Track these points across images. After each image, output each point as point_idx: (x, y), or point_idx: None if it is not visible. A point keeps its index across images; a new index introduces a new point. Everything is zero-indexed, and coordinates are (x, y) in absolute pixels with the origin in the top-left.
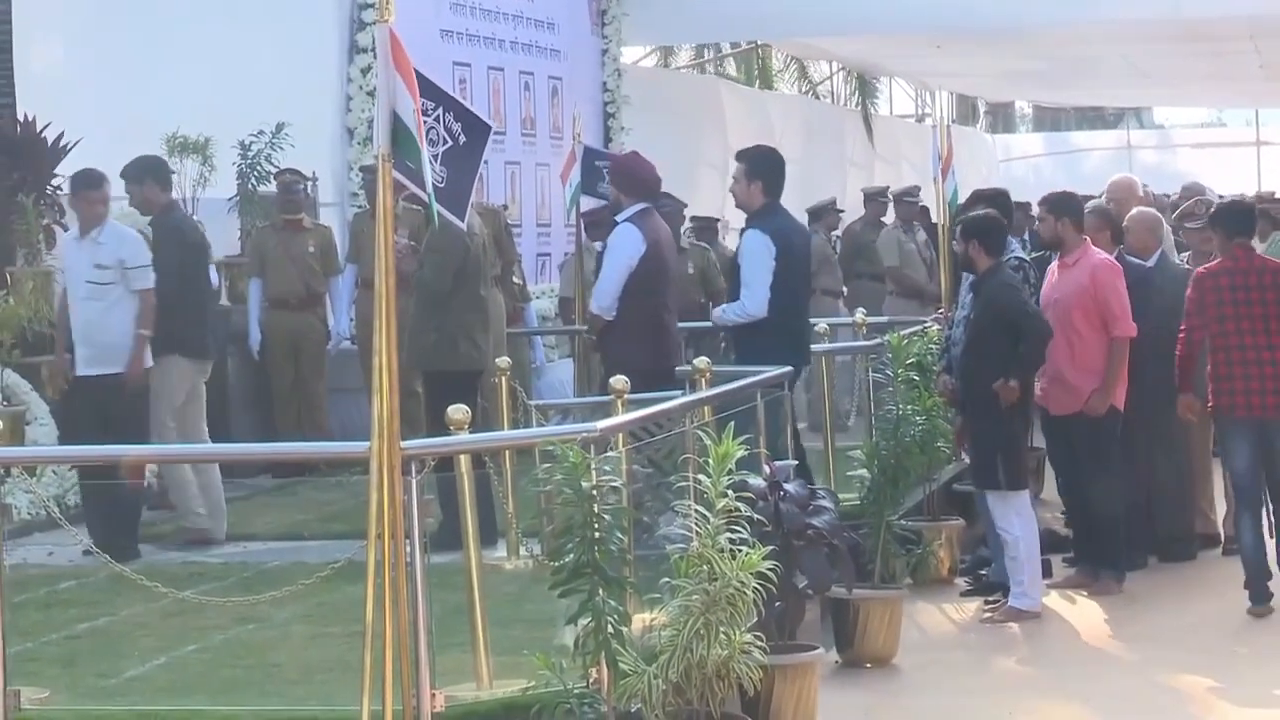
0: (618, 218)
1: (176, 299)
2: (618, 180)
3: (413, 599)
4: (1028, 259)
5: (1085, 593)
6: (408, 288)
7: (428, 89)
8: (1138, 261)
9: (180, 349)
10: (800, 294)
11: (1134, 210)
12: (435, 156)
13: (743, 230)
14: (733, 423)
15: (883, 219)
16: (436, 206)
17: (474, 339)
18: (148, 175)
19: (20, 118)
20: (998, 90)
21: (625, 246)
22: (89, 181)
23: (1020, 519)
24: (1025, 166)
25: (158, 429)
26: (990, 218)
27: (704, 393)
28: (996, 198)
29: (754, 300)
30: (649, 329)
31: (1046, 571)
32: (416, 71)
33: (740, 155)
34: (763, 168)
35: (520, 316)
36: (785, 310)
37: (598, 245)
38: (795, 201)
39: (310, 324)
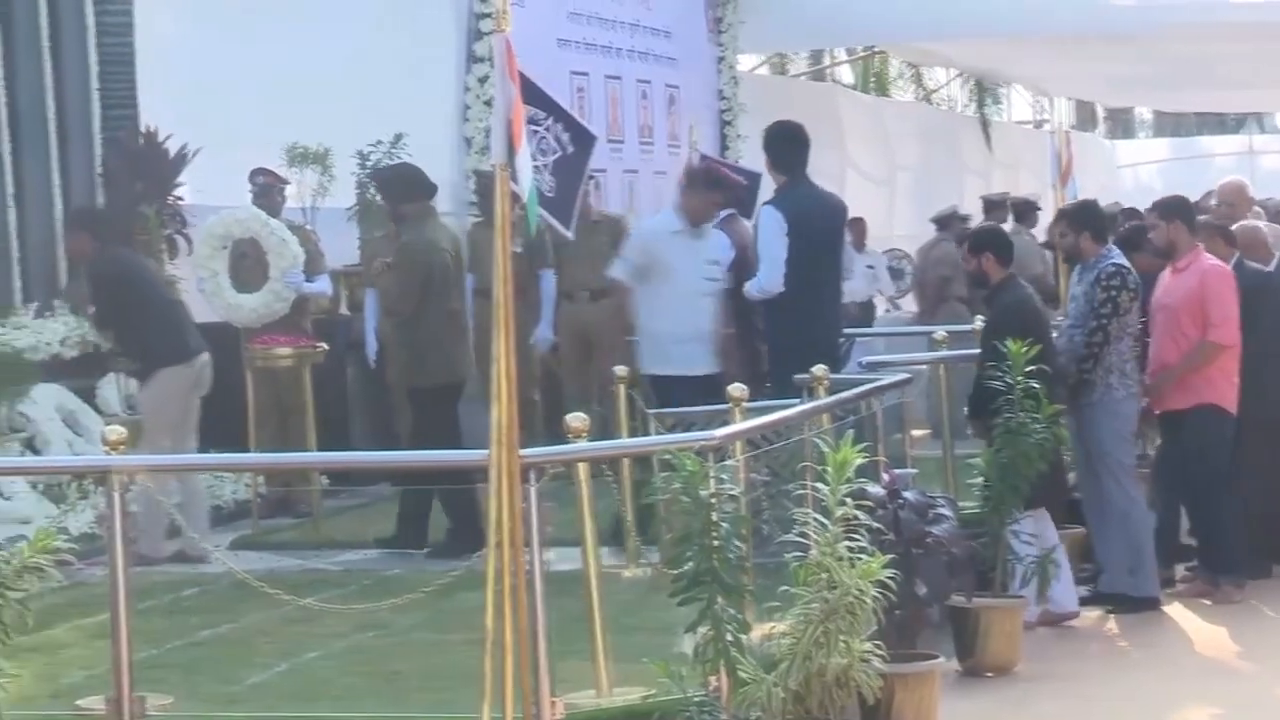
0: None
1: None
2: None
3: (532, 606)
4: (1128, 265)
5: (1207, 601)
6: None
7: (538, 98)
8: (1257, 266)
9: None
10: (822, 271)
11: (1239, 224)
12: (545, 166)
13: (759, 208)
14: (851, 430)
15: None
16: (540, 212)
17: (446, 352)
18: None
19: (142, 129)
20: (1116, 95)
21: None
22: (712, 179)
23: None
24: (1146, 172)
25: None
26: (999, 229)
27: (822, 400)
28: (1086, 208)
29: (768, 276)
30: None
31: (1169, 581)
32: (527, 80)
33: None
34: (770, 143)
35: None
36: (802, 287)
37: None
38: (912, 208)
39: None
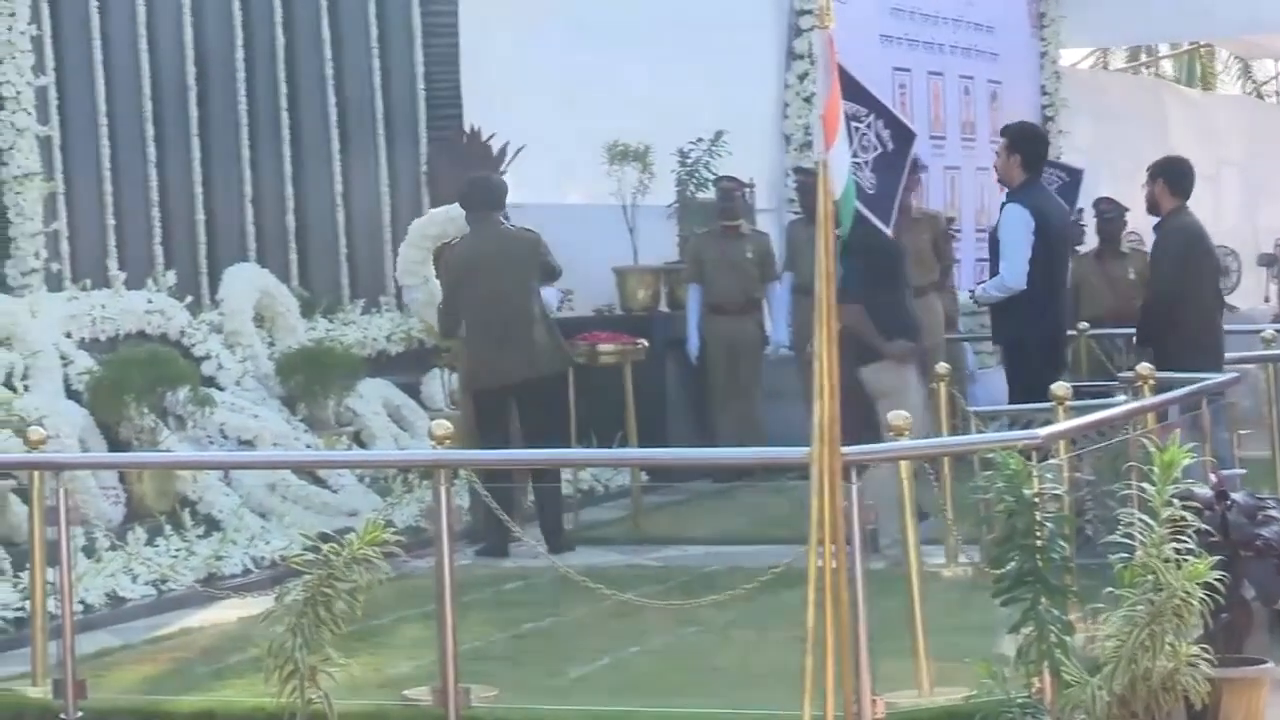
0: None
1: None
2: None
3: (853, 605)
4: None
5: None
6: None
7: (860, 95)
8: None
9: None
10: (1058, 271)
11: None
12: (865, 163)
13: (1002, 205)
14: (1178, 430)
15: None
16: (860, 208)
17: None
18: None
19: (466, 128)
20: None
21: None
22: None
23: None
24: None
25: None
26: (1180, 160)
27: (1147, 399)
28: None
29: (1012, 272)
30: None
31: None
32: (849, 77)
33: (1004, 130)
34: (1022, 142)
35: (956, 322)
36: (1042, 285)
37: None
38: (1239, 205)
39: (748, 329)
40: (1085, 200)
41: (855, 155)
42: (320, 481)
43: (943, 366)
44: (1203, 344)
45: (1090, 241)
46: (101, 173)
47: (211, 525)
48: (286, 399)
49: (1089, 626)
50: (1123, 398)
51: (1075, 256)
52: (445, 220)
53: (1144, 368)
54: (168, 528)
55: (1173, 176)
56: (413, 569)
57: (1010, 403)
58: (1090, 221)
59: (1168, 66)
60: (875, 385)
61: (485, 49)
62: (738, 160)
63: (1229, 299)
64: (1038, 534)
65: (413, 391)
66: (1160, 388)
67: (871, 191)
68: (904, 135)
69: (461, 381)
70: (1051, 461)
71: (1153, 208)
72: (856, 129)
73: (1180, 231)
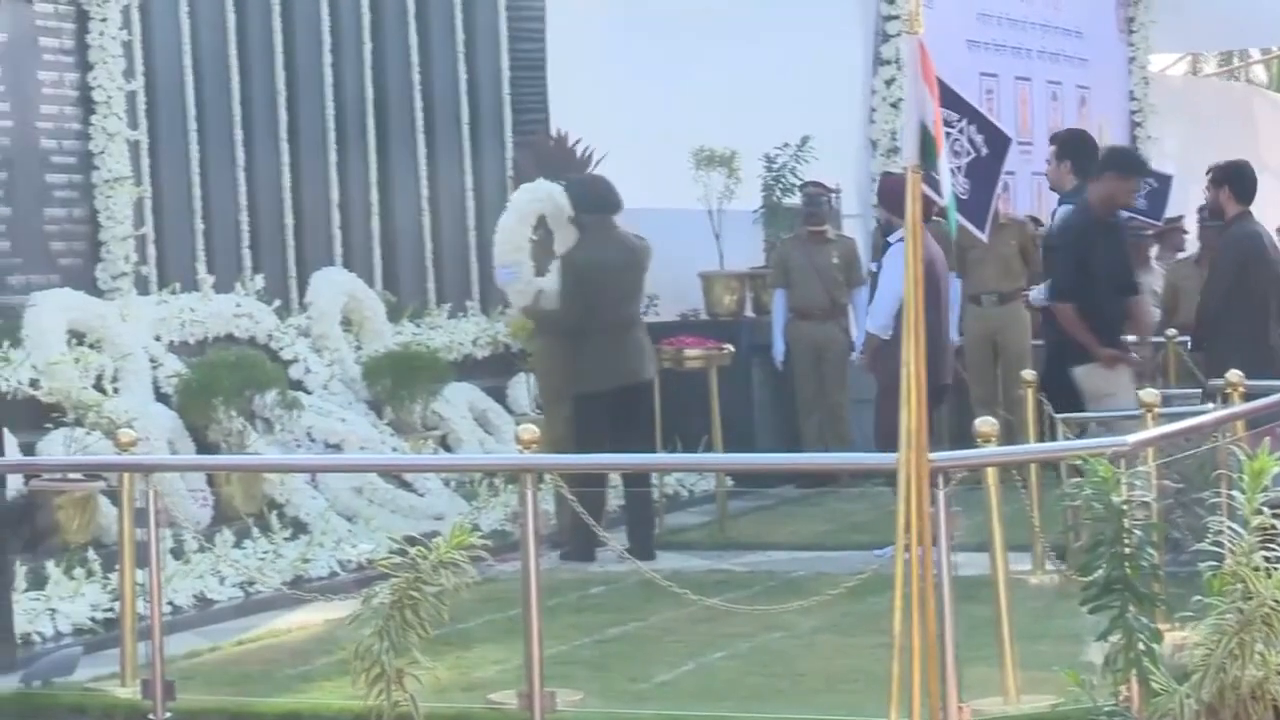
0: (890, 239)
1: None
2: (887, 202)
3: (940, 611)
4: None
5: None
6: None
7: (952, 100)
8: None
9: None
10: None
11: None
12: (959, 168)
13: (1053, 211)
14: (1268, 438)
15: None
16: (956, 217)
17: (607, 360)
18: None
19: (553, 133)
20: None
21: (900, 266)
22: None
23: None
24: None
25: None
26: (1243, 165)
27: (1237, 407)
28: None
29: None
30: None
31: None
32: (941, 82)
33: (1053, 138)
34: (1071, 148)
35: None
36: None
37: (872, 265)
38: None
39: (833, 334)
40: (1177, 207)
41: (948, 162)
42: (406, 485)
43: (1029, 373)
44: (1251, 353)
45: (1192, 248)
46: (190, 177)
47: (299, 528)
48: (373, 403)
49: (1177, 634)
50: (1210, 405)
51: (1172, 262)
52: (546, 197)
53: (1233, 375)
54: (255, 530)
55: (1238, 182)
56: (498, 573)
57: (1051, 403)
58: (1193, 228)
59: (1259, 72)
60: (1087, 387)
61: (572, 54)
62: (824, 165)
63: None
64: (1126, 541)
65: (498, 395)
66: (1249, 396)
67: (964, 197)
68: (998, 141)
69: (563, 384)
70: (1140, 468)
71: (1216, 213)
72: (948, 134)
73: (1240, 240)
